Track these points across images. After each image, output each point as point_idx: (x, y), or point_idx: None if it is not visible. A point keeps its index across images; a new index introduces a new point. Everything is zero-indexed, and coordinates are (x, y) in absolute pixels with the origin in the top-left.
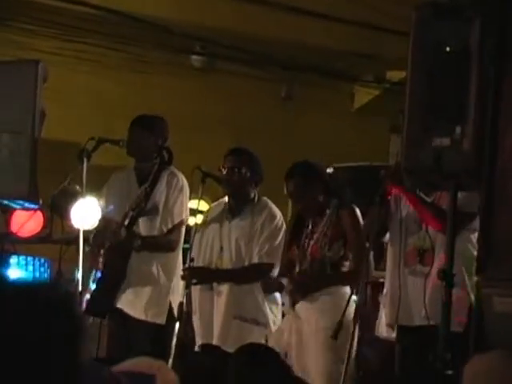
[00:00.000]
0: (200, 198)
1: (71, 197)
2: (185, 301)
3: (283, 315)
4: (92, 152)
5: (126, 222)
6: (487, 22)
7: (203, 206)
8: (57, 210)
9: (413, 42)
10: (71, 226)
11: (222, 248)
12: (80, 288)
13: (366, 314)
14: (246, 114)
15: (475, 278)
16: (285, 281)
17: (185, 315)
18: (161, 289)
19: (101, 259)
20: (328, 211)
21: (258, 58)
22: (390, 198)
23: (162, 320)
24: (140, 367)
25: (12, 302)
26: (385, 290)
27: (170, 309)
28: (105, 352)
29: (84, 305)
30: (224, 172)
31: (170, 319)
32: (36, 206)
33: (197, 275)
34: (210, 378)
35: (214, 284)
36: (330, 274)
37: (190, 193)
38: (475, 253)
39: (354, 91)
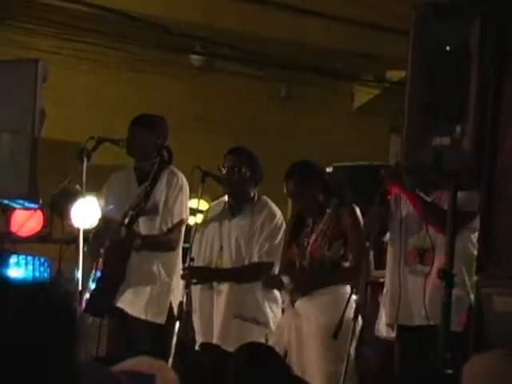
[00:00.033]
0: (200, 198)
1: (71, 196)
2: (185, 300)
3: (283, 313)
4: (92, 151)
5: (126, 221)
6: (487, 22)
7: (203, 205)
8: (57, 210)
9: (413, 41)
10: (71, 226)
11: (221, 247)
12: (80, 287)
13: (366, 315)
14: (246, 113)
15: (475, 278)
16: (285, 278)
17: (185, 314)
18: (161, 288)
19: (100, 259)
20: (328, 210)
21: (257, 57)
22: (390, 197)
23: (162, 319)
24: (140, 367)
25: (12, 302)
26: (385, 290)
27: (170, 308)
28: (105, 352)
29: (84, 304)
30: (224, 171)
31: (170, 318)
32: (36, 206)
33: (197, 275)
34: (210, 377)
35: (214, 283)
36: (330, 272)
37: (190, 192)
38: (475, 252)
39: (353, 91)
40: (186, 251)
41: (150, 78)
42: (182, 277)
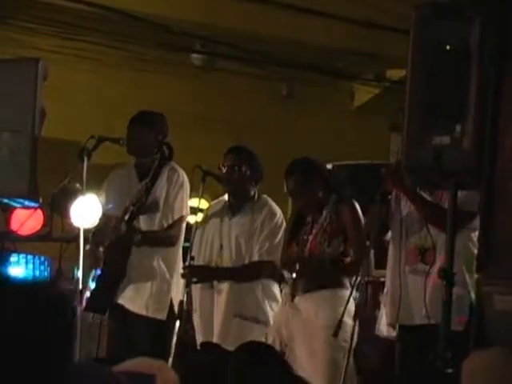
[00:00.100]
0: (200, 197)
1: (71, 195)
2: (185, 299)
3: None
4: (92, 150)
5: (127, 217)
6: (487, 22)
7: (204, 204)
8: (57, 209)
9: (413, 41)
10: (71, 225)
11: (221, 246)
12: (80, 286)
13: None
14: (246, 112)
15: (476, 276)
16: (285, 273)
17: (185, 313)
18: (162, 284)
19: (101, 258)
20: (326, 207)
21: (258, 56)
22: (390, 196)
23: (163, 316)
24: (140, 367)
25: (12, 301)
26: (385, 289)
27: (171, 305)
28: (105, 352)
29: (84, 303)
30: (224, 170)
31: (171, 316)
32: (36, 205)
33: (197, 274)
34: (210, 376)
35: (215, 282)
36: (330, 269)
37: (191, 192)
38: (476, 251)
39: (354, 90)
40: (186, 250)
41: (150, 77)
42: (183, 276)
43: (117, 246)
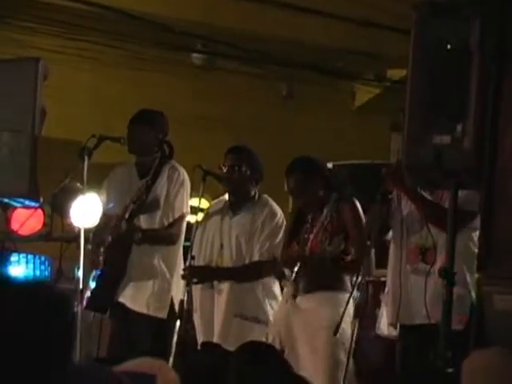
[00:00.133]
0: (201, 197)
1: (72, 195)
2: (186, 299)
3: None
4: (93, 150)
5: (127, 215)
6: (487, 22)
7: (204, 204)
8: (57, 208)
9: (413, 40)
10: (71, 224)
11: (222, 246)
12: (80, 286)
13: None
14: (246, 112)
15: (476, 276)
16: (286, 270)
17: (186, 313)
18: (162, 282)
19: (101, 257)
20: (327, 205)
21: (258, 56)
22: (391, 196)
23: (163, 314)
24: (141, 367)
25: (13, 301)
26: (386, 289)
27: (172, 304)
28: (105, 352)
29: (84, 303)
30: (224, 170)
31: (172, 315)
32: (36, 204)
33: (197, 274)
34: (211, 376)
35: (215, 282)
36: (330, 267)
37: (191, 191)
38: (476, 250)
39: (354, 89)
40: (186, 250)
41: (149, 77)
42: (183, 277)
43: (117, 244)
